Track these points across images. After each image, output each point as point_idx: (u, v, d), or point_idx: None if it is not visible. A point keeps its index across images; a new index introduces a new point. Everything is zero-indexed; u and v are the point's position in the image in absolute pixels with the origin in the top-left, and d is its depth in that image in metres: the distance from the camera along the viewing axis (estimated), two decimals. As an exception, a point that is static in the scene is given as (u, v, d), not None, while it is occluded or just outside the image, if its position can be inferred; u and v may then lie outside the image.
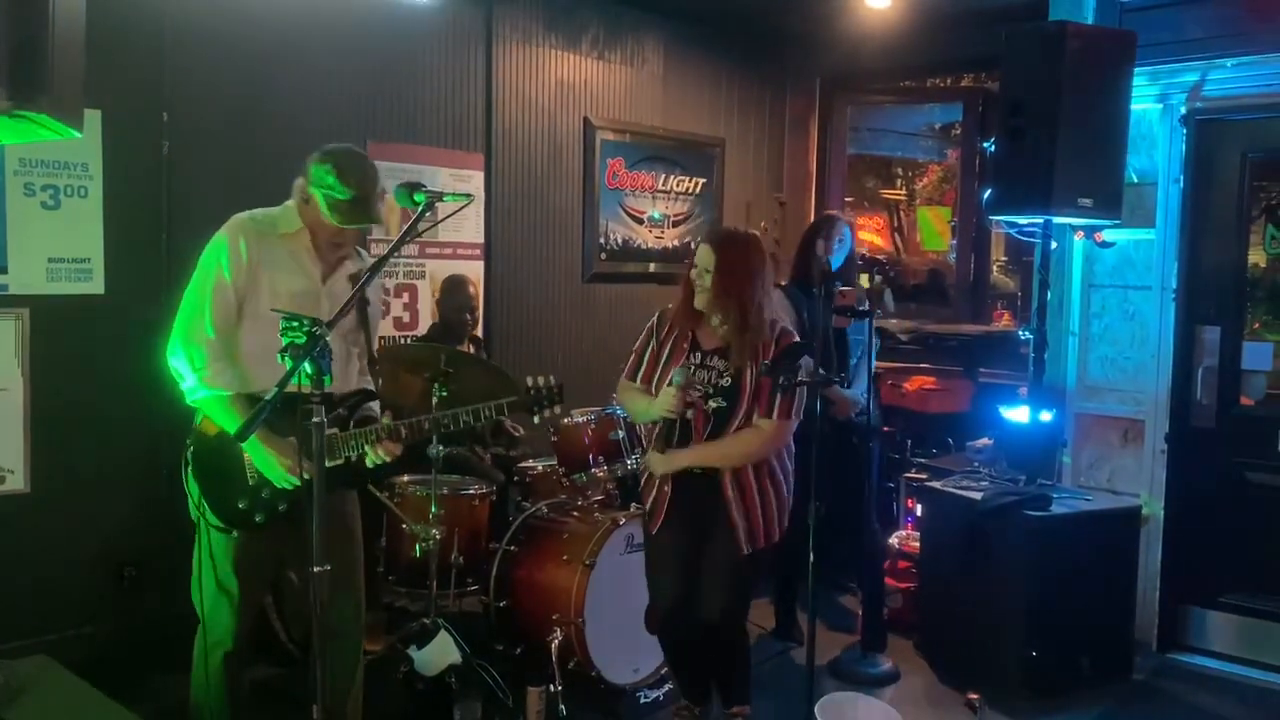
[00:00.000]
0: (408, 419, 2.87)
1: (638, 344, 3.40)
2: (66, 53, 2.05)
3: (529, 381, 3.18)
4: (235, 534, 2.78)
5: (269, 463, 2.72)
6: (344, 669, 2.99)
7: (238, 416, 2.68)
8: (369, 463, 2.85)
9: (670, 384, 3.14)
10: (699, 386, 3.17)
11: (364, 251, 3.07)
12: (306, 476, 2.69)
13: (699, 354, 3.24)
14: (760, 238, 3.37)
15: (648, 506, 3.35)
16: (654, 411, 3.19)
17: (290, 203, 2.87)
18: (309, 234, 2.85)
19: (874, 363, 4.23)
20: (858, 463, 4.17)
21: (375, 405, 2.96)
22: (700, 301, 3.21)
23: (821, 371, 3.21)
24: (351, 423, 2.86)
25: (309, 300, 2.81)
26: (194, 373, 2.72)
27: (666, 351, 3.30)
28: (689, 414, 3.17)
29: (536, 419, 3.02)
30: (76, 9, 2.12)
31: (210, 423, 2.78)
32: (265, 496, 2.78)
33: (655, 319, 3.39)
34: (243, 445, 2.69)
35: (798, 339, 3.26)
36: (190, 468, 2.80)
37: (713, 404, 3.16)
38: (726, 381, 3.17)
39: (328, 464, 2.67)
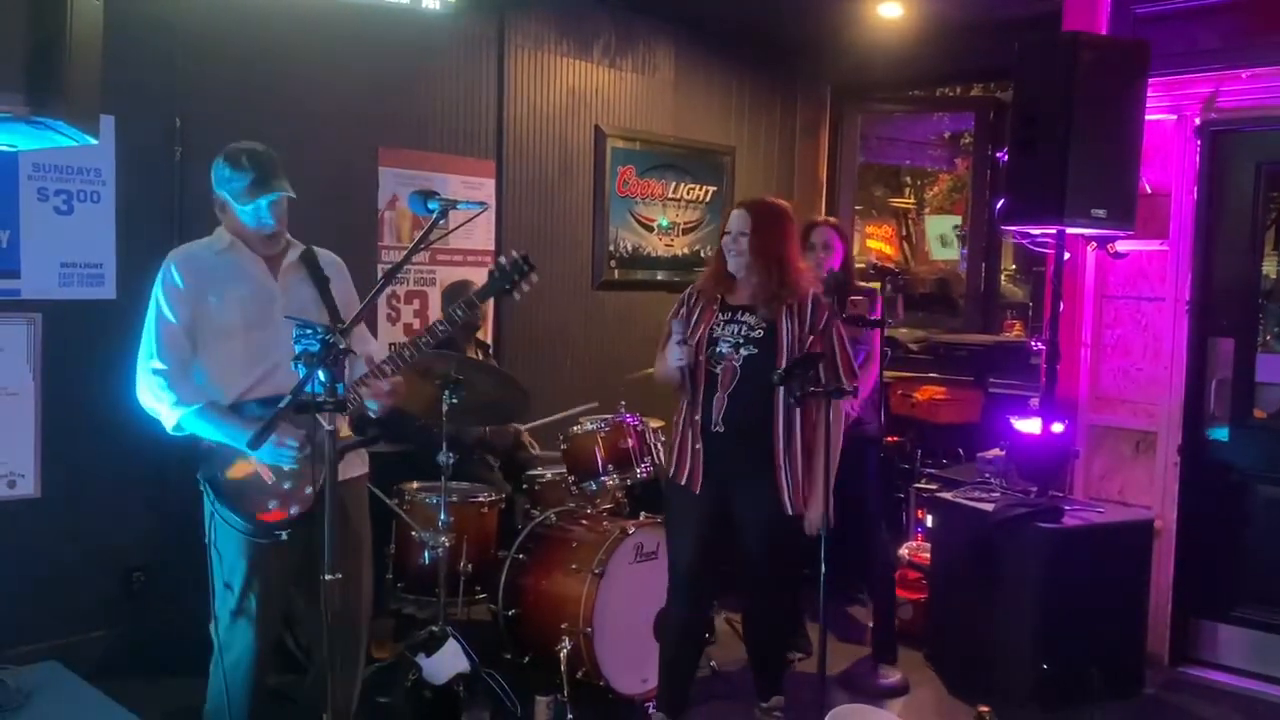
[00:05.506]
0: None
1: (669, 316, 3.48)
2: (84, 60, 2.06)
3: (492, 265, 3.08)
4: (260, 541, 2.76)
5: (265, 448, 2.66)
6: (346, 677, 2.95)
7: (224, 424, 2.72)
8: (370, 411, 2.82)
9: (675, 342, 3.28)
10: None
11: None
12: (298, 447, 2.69)
13: (728, 311, 3.35)
14: (789, 206, 3.52)
15: (674, 458, 3.40)
16: (668, 362, 3.32)
17: (219, 226, 2.89)
18: (241, 243, 2.85)
19: (880, 372, 4.21)
20: (859, 473, 4.15)
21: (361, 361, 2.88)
22: (734, 265, 3.33)
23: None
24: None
25: (264, 298, 2.83)
26: (160, 403, 2.74)
27: (696, 315, 3.41)
28: (718, 369, 3.28)
29: (517, 295, 2.91)
30: (94, 16, 2.13)
31: (208, 445, 2.77)
32: (288, 488, 2.77)
33: (685, 293, 3.51)
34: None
35: (830, 314, 3.34)
36: (208, 490, 2.79)
37: (743, 351, 3.27)
38: (759, 333, 3.29)
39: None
